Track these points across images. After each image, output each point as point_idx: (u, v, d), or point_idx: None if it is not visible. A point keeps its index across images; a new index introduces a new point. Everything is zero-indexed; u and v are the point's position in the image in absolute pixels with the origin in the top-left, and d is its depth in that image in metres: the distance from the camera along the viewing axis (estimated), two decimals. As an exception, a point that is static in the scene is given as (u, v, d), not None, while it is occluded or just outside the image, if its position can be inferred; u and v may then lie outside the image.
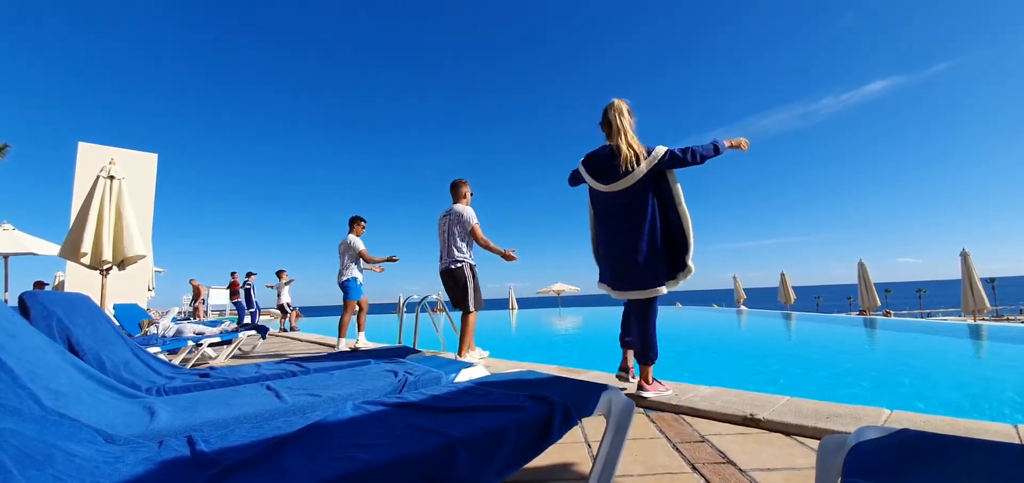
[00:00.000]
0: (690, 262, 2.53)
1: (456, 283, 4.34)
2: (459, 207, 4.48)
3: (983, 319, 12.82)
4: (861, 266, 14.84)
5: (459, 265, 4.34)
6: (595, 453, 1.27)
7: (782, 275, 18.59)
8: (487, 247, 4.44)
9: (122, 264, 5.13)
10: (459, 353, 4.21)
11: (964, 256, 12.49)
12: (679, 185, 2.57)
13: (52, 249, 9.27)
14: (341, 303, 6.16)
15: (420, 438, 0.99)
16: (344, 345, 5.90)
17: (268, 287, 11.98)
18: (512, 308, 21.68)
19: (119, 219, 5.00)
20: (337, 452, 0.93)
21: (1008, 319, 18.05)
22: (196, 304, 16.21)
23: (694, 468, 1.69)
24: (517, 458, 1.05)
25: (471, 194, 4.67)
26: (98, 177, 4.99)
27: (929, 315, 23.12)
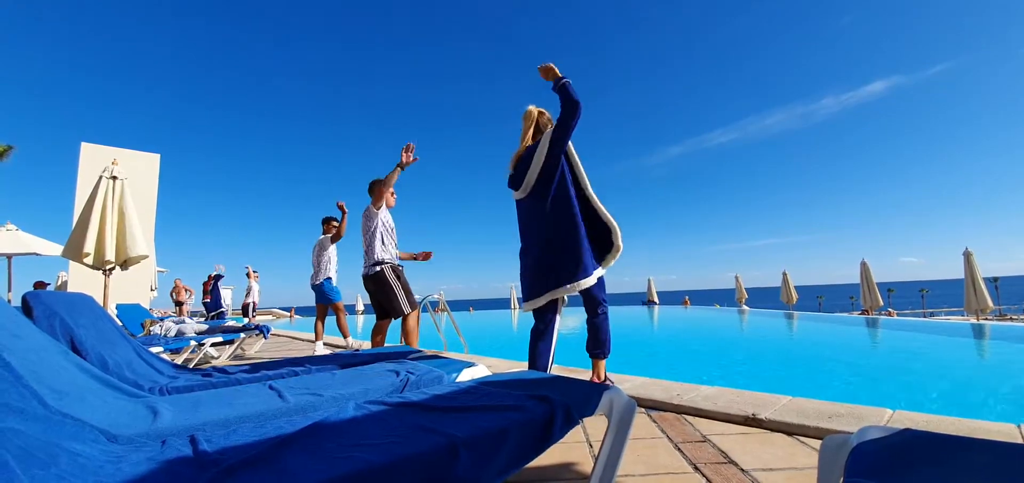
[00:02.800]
0: (617, 241, 2.40)
1: (379, 288, 4.07)
2: (369, 207, 4.18)
3: (986, 319, 12.78)
4: (863, 266, 14.81)
5: (379, 269, 4.06)
6: (597, 453, 1.27)
7: (784, 274, 18.56)
8: (380, 193, 4.11)
9: (125, 264, 5.15)
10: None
11: (967, 256, 12.45)
12: (580, 164, 2.44)
13: (55, 249, 9.32)
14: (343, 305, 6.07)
15: (422, 438, 0.99)
16: (321, 347, 5.83)
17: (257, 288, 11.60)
18: (514, 308, 21.68)
19: (122, 219, 5.03)
20: (339, 451, 0.94)
21: (1011, 319, 17.98)
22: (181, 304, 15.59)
23: (696, 468, 1.68)
24: (519, 458, 1.06)
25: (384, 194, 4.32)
26: (101, 177, 5.01)
27: (932, 315, 23.05)
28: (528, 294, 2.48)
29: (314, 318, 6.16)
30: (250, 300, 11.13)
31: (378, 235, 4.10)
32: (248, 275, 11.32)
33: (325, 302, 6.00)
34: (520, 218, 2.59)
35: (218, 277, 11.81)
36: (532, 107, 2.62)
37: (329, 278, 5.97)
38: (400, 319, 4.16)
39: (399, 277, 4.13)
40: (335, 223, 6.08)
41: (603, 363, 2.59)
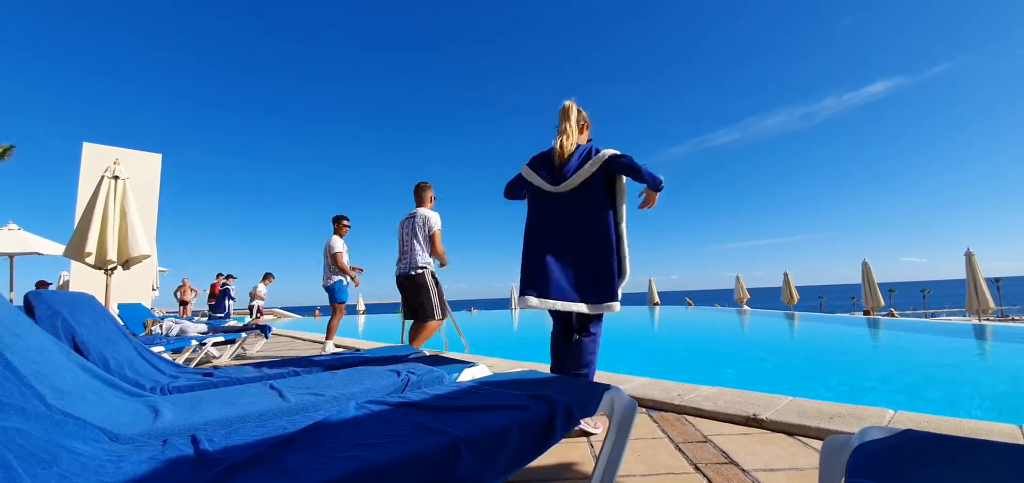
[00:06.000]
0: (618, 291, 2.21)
1: (416, 289, 4.19)
2: (425, 210, 4.33)
3: (988, 319, 12.75)
4: (865, 266, 14.78)
5: (420, 271, 4.19)
6: (598, 453, 1.28)
7: (785, 275, 18.53)
8: (439, 255, 4.29)
9: (126, 264, 5.16)
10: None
11: (968, 256, 12.42)
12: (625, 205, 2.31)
13: (57, 249, 9.33)
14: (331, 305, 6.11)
15: (423, 437, 0.99)
16: (331, 347, 5.84)
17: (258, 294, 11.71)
18: (514, 308, 21.68)
19: (123, 219, 5.03)
20: (340, 451, 0.94)
21: (1013, 319, 17.94)
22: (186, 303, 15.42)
23: (697, 468, 1.68)
24: (520, 457, 1.06)
25: (435, 198, 4.53)
26: (103, 177, 5.02)
27: (933, 315, 23.02)
28: (548, 292, 2.23)
29: (328, 317, 6.23)
30: (256, 302, 11.28)
31: (421, 240, 4.25)
32: (261, 283, 11.50)
33: (336, 301, 6.05)
34: (546, 212, 2.38)
35: (226, 289, 11.92)
36: (571, 102, 2.41)
37: (339, 279, 6.01)
38: (427, 321, 4.26)
39: (437, 282, 4.28)
40: (346, 224, 6.19)
41: None
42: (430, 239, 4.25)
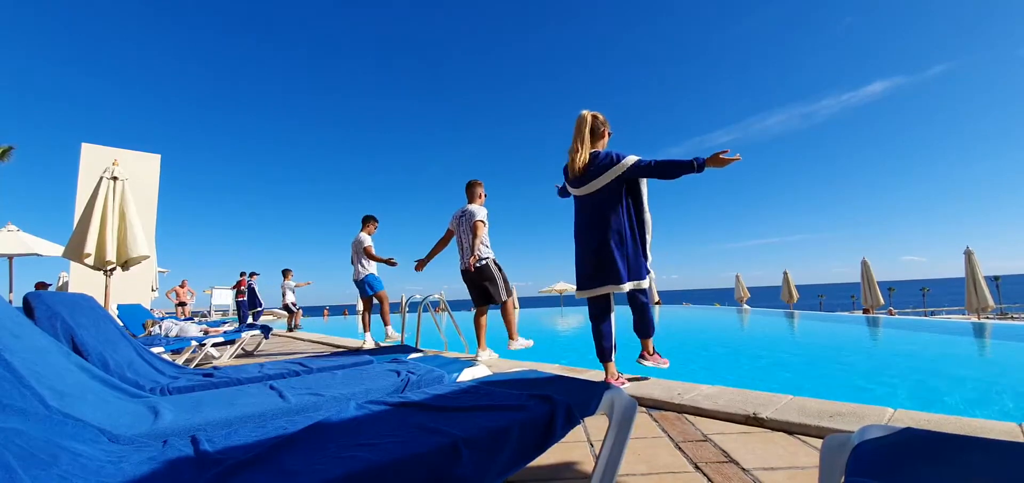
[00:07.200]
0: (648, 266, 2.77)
1: (484, 279, 4.44)
2: (473, 207, 4.58)
3: (987, 317, 12.76)
4: (864, 264, 14.79)
5: (484, 261, 4.45)
6: (598, 452, 1.27)
7: (785, 274, 18.53)
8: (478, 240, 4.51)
9: (126, 265, 5.16)
10: (511, 340, 4.35)
11: (968, 254, 12.43)
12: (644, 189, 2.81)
13: (56, 250, 9.32)
14: (350, 303, 6.28)
15: (423, 437, 0.99)
16: (392, 333, 6.06)
17: (293, 287, 11.83)
18: (513, 307, 21.61)
19: (122, 220, 5.03)
20: (340, 451, 0.94)
21: (1012, 317, 17.95)
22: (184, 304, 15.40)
23: (697, 467, 1.68)
24: (520, 457, 1.05)
25: (485, 195, 4.78)
26: (102, 178, 5.01)
27: (933, 313, 23.02)
28: (584, 284, 2.80)
29: (358, 314, 6.42)
30: (289, 300, 11.45)
31: (486, 232, 4.52)
32: (284, 276, 11.68)
33: (370, 295, 6.25)
34: (580, 212, 2.86)
35: (252, 285, 12.04)
36: (585, 113, 2.78)
37: (372, 272, 6.25)
38: (498, 306, 4.53)
39: (499, 268, 4.54)
40: (375, 224, 6.50)
41: (650, 341, 2.93)
42: (472, 228, 4.50)
